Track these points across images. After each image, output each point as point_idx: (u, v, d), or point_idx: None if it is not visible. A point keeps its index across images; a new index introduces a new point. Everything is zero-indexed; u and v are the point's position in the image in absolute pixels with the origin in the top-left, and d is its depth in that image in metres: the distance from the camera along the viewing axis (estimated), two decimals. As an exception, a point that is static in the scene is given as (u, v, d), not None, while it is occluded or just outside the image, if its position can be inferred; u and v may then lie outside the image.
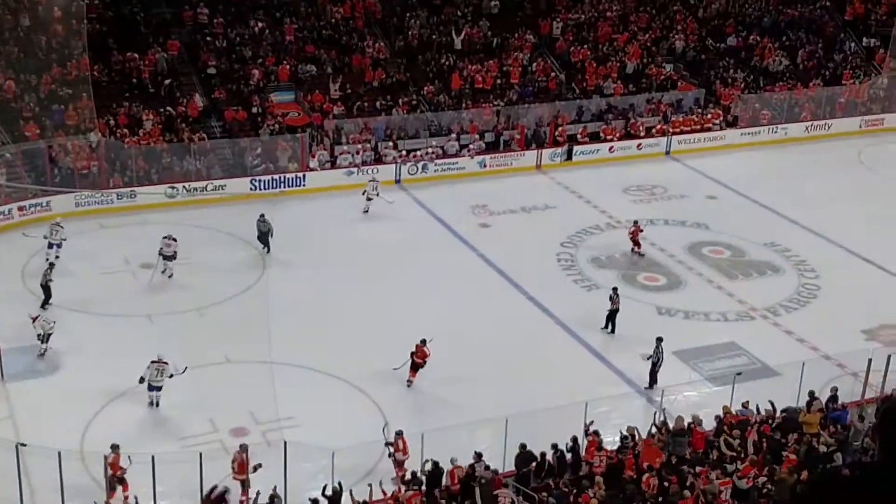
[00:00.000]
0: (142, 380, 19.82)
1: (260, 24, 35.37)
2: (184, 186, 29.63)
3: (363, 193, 29.52)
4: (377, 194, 29.46)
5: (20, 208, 27.81)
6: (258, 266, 26.00)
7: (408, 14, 37.65)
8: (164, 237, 25.11)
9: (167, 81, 32.50)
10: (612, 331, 23.64)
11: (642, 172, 33.85)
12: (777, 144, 37.25)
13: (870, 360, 20.59)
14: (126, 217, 28.65)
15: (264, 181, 30.63)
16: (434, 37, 37.20)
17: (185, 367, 20.37)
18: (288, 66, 34.43)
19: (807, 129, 38.27)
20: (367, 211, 29.53)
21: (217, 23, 34.84)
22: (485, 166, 33.53)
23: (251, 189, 30.40)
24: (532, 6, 40.04)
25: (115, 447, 16.70)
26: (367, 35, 36.36)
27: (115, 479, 16.44)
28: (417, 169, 32.54)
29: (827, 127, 38.47)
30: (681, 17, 41.15)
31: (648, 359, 21.29)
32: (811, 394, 19.63)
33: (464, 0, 38.86)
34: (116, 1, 34.46)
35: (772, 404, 19.41)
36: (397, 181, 32.23)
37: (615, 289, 24.15)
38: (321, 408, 19.74)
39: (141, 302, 23.88)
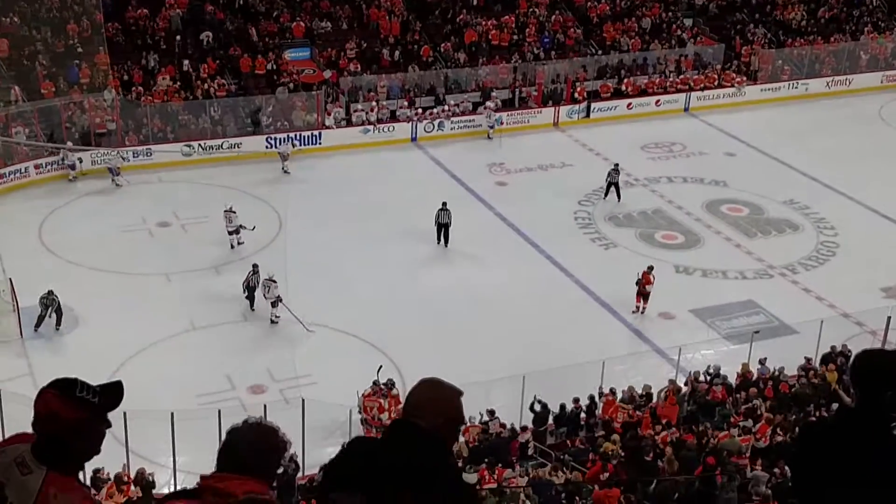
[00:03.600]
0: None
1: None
2: (199, 145, 29.55)
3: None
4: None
5: (36, 166, 27.84)
6: (274, 225, 25.97)
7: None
8: (225, 210, 24.61)
9: (178, 38, 32.27)
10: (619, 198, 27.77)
11: (661, 129, 33.53)
12: (797, 100, 36.78)
13: (888, 318, 20.45)
14: (142, 175, 28.64)
15: (280, 139, 30.52)
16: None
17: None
18: (303, 23, 34.15)
19: (827, 84, 37.75)
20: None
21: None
22: (502, 124, 33.26)
23: (267, 147, 30.30)
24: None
25: None
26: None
27: None
28: (434, 126, 32.33)
29: (848, 82, 37.95)
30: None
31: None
32: (826, 354, 19.61)
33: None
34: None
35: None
36: (413, 139, 32.05)
37: (616, 164, 28.00)
38: (338, 365, 19.81)
39: (158, 260, 23.93)
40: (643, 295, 22.32)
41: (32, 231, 24.99)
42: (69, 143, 27.84)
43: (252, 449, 3.17)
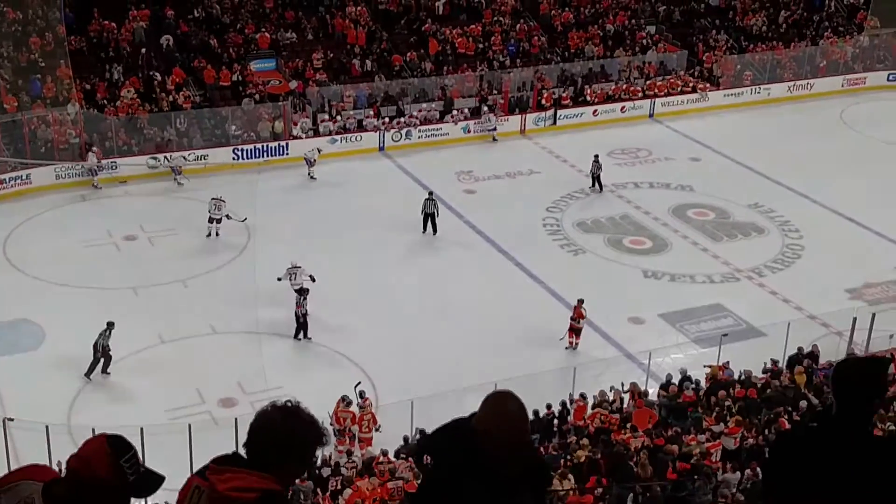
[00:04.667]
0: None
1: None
2: (165, 157, 29.35)
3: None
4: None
5: None
6: (242, 237, 25.82)
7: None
8: (214, 198, 25.42)
9: (143, 51, 32.05)
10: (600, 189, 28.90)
11: (626, 135, 33.77)
12: (760, 105, 37.22)
13: (854, 319, 20.72)
14: (108, 189, 28.38)
15: (247, 150, 30.39)
16: (414, 1, 36.83)
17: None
18: (268, 34, 34.06)
19: (789, 89, 38.24)
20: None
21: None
22: (469, 132, 33.36)
23: (234, 159, 30.16)
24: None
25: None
26: (347, 1, 35.94)
27: None
28: (401, 136, 32.35)
29: (809, 87, 38.47)
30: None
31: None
32: (793, 355, 19.84)
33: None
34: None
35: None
36: (381, 148, 32.05)
37: (596, 155, 29.01)
38: (309, 377, 19.74)
39: (125, 274, 23.71)
40: (575, 330, 21.30)
41: (-4, 246, 24.70)
42: (95, 151, 28.33)
43: (274, 438, 2.98)
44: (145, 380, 19.72)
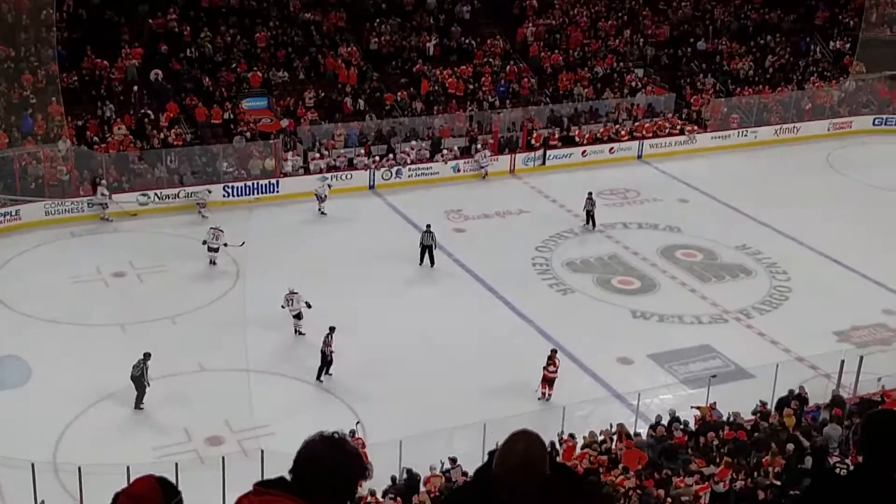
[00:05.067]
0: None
1: (231, 31, 35.21)
2: (156, 194, 29.40)
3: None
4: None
5: (-12, 218, 27.51)
6: (231, 274, 25.82)
7: (378, 20, 37.60)
8: (211, 228, 26.25)
9: (135, 88, 32.22)
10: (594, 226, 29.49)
11: (615, 176, 34.01)
12: (747, 148, 37.57)
13: (842, 362, 20.82)
14: (97, 225, 28.38)
15: (237, 188, 30.47)
16: (405, 42, 37.21)
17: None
18: (259, 73, 34.30)
19: (776, 132, 38.65)
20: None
21: (187, 30, 34.60)
22: (458, 171, 33.56)
23: (224, 196, 30.22)
24: (504, 12, 40.19)
25: None
26: (339, 41, 36.28)
27: None
28: (391, 174, 32.50)
29: (795, 130, 38.88)
30: (650, 22, 41.43)
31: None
32: (782, 397, 19.87)
33: (436, 6, 38.94)
34: (88, 5, 34.15)
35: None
36: (371, 187, 32.18)
37: (590, 192, 29.70)
38: (296, 415, 19.62)
39: (113, 310, 23.65)
40: (548, 380, 20.84)
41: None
42: (104, 185, 28.73)
43: (319, 469, 3.02)
44: (132, 417, 19.58)
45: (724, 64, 40.86)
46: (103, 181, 28.87)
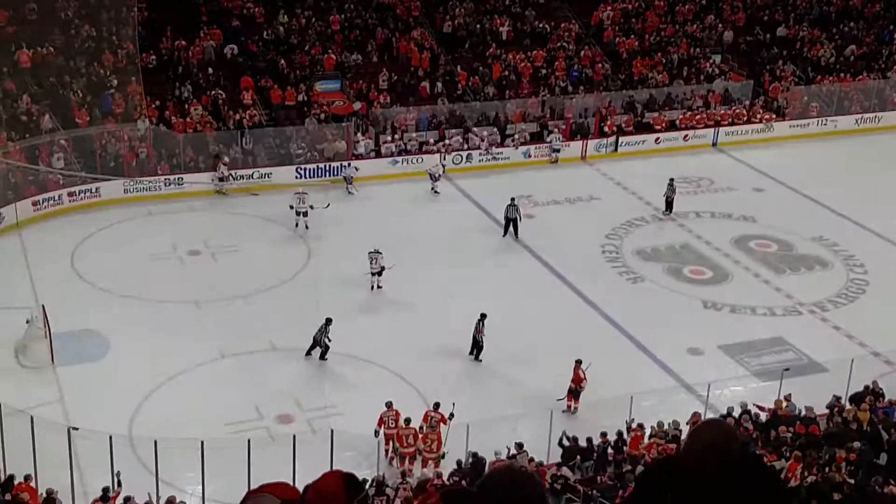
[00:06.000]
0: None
1: (306, 14, 35.50)
2: (231, 174, 29.86)
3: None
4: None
5: (70, 194, 28.22)
6: (303, 254, 26.14)
7: (452, 2, 37.53)
8: (296, 192, 27.41)
9: (210, 70, 32.70)
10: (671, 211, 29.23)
11: (689, 164, 33.51)
12: (826, 137, 36.69)
13: (920, 358, 20.34)
14: (174, 204, 28.95)
15: (310, 170, 30.76)
16: (479, 26, 37.10)
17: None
18: (333, 56, 34.54)
19: (856, 121, 37.68)
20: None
21: (260, 12, 34.99)
22: (529, 156, 33.42)
23: (297, 178, 30.55)
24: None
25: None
26: (412, 24, 36.34)
27: None
28: (462, 159, 32.50)
29: (877, 120, 37.87)
30: (729, 7, 40.64)
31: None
32: (856, 393, 19.48)
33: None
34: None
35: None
36: (442, 170, 32.18)
37: (672, 179, 29.63)
38: (365, 396, 19.80)
39: (188, 288, 24.13)
40: (574, 393, 20.14)
41: (65, 258, 25.27)
42: (224, 162, 29.78)
43: (501, 502, 3.10)
44: (206, 394, 19.98)
45: (804, 51, 39.92)
46: (225, 158, 29.67)
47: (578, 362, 20.19)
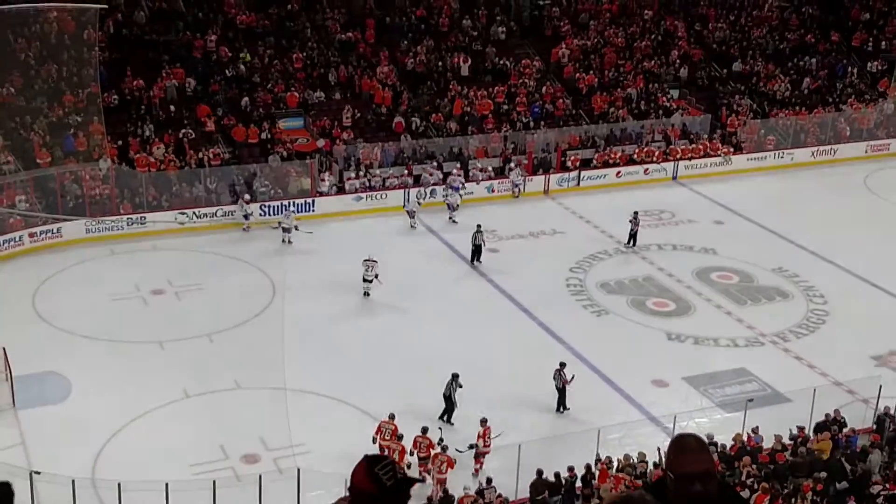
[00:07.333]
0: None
1: (269, 52, 35.67)
2: (194, 212, 29.76)
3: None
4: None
5: (31, 235, 27.95)
6: (268, 292, 26.05)
7: (410, 36, 37.88)
8: (285, 210, 29.57)
9: (172, 108, 32.68)
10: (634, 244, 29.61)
11: (650, 197, 33.92)
12: (783, 170, 37.37)
13: (880, 387, 20.64)
14: (136, 243, 28.76)
15: (273, 207, 30.74)
16: (440, 63, 37.45)
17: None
18: (296, 93, 34.66)
19: (813, 154, 38.40)
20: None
21: (225, 52, 35.10)
22: (493, 191, 33.67)
23: (261, 215, 30.50)
24: (538, 33, 40.41)
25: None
26: (375, 62, 36.60)
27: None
28: (425, 194, 32.63)
29: (833, 152, 38.63)
30: (685, 43, 41.41)
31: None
32: (819, 422, 19.72)
33: (471, 26, 39.21)
34: (130, 25, 34.80)
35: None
36: (405, 206, 32.29)
37: (636, 212, 29.87)
38: (331, 434, 19.73)
39: (151, 328, 23.92)
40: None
41: (26, 300, 24.98)
42: (245, 198, 30.24)
43: None
44: (170, 434, 19.75)
45: (760, 85, 40.71)
46: (246, 195, 29.93)
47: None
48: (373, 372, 22.22)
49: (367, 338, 23.90)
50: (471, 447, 18.98)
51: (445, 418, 20.65)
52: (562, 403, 21.26)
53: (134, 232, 29.11)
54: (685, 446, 3.52)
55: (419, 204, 31.33)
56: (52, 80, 31.36)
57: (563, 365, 21.34)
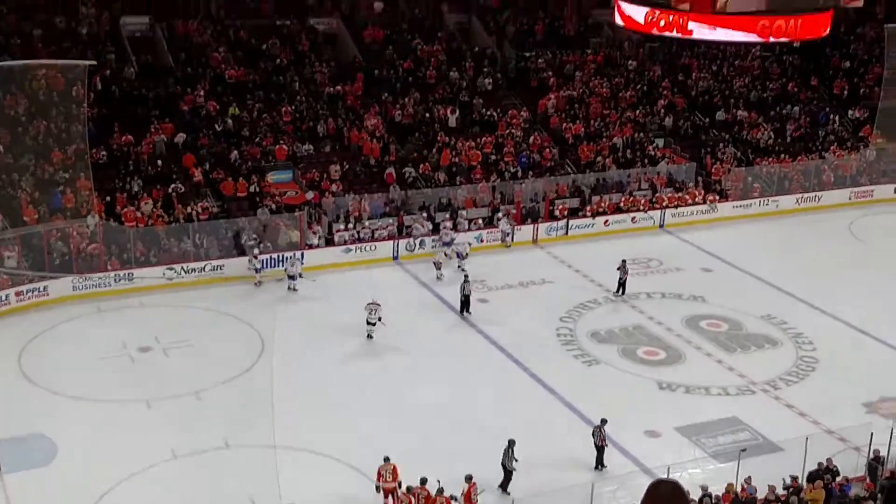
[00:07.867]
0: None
1: (257, 106, 35.88)
2: (182, 268, 29.69)
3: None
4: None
5: (17, 293, 27.78)
6: (257, 348, 25.90)
7: (398, 88, 38.19)
8: (290, 256, 29.95)
9: (160, 163, 32.75)
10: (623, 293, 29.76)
11: (638, 246, 34.07)
12: (768, 217, 37.63)
13: (871, 434, 20.54)
14: (124, 300, 28.63)
15: (263, 260, 30.69)
16: (428, 115, 37.73)
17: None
18: (285, 146, 34.81)
19: (797, 201, 38.73)
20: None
21: (212, 105, 35.30)
22: (482, 241, 33.75)
23: (248, 269, 30.43)
24: (524, 84, 40.82)
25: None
26: (363, 114, 36.85)
27: None
28: (415, 245, 32.69)
29: (817, 199, 38.96)
30: (669, 93, 41.87)
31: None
32: (812, 471, 19.61)
33: (458, 77, 39.59)
34: (119, 81, 35.00)
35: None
36: (395, 258, 32.36)
37: (624, 261, 29.89)
38: (323, 492, 19.52)
39: (139, 386, 23.70)
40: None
41: (11, 359, 24.75)
42: (255, 252, 30.35)
43: None
44: (158, 496, 19.48)
45: (743, 133, 41.12)
46: (256, 249, 30.14)
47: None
48: (362, 426, 22.03)
49: (358, 392, 23.74)
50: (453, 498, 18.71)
51: (502, 488, 20.11)
52: (600, 462, 20.97)
53: (121, 288, 28.99)
54: (660, 494, 3.53)
55: (446, 255, 31.58)
56: (40, 136, 31.42)
57: (604, 422, 21.07)
